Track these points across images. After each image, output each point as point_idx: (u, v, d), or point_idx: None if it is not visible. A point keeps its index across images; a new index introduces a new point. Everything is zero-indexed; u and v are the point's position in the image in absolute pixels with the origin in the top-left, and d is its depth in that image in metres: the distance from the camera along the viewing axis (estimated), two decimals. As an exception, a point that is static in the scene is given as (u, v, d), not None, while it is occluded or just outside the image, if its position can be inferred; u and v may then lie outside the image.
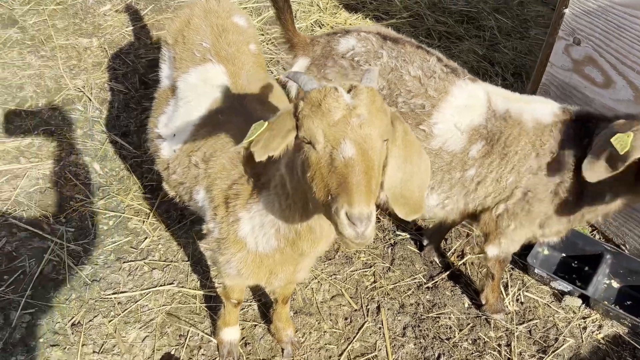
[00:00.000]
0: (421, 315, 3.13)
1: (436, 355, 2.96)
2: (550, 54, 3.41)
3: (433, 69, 2.66)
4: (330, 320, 3.08)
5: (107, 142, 3.85)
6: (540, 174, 2.62)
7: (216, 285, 3.16)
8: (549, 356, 3.02)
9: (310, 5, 5.18)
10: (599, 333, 3.15)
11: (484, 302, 3.14)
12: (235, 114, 2.30)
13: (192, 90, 2.43)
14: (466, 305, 3.23)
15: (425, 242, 3.41)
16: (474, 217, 2.90)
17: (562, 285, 3.22)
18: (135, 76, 4.31)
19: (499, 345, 3.05)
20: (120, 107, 4.08)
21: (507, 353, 3.02)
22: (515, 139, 2.59)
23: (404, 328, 3.07)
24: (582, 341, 3.11)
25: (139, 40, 4.62)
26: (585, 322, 3.19)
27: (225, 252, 2.31)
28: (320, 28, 4.92)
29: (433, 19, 5.11)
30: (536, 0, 5.52)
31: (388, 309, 3.14)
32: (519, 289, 3.30)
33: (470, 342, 3.05)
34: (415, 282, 3.29)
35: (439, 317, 3.14)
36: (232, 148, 2.13)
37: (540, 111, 2.63)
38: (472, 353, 3.00)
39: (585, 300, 3.22)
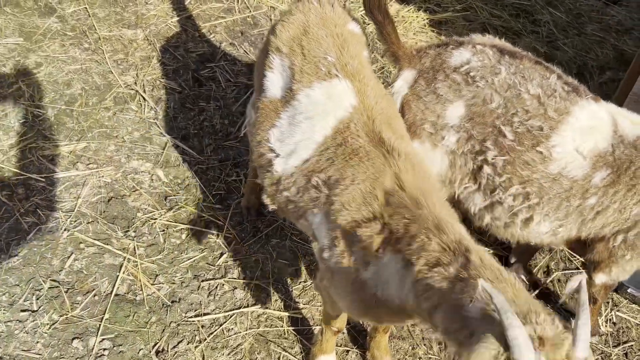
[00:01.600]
0: (515, 337, 3.00)
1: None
2: (645, 63, 3.26)
3: (554, 87, 2.47)
4: (424, 345, 2.95)
5: (167, 146, 3.63)
6: None
7: (320, 312, 2.99)
8: (648, 382, 2.93)
9: (358, -3, 4.94)
10: (697, 355, 3.07)
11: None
12: (368, 139, 2.13)
13: (315, 106, 2.25)
14: (559, 326, 3.10)
15: (512, 260, 3.27)
16: (578, 243, 2.77)
17: (659, 305, 3.11)
18: (188, 72, 4.07)
19: (597, 369, 2.95)
20: (177, 108, 3.85)
21: (606, 378, 2.92)
22: None
23: (500, 352, 2.94)
24: (681, 365, 3.03)
25: (186, 32, 4.37)
26: (681, 343, 3.10)
27: (340, 288, 2.16)
28: (368, 25, 4.70)
29: (487, 12, 4.91)
30: (587, -8, 5.35)
31: (481, 331, 3.01)
32: (610, 309, 3.19)
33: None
34: (504, 302, 3.16)
35: (534, 340, 3.01)
36: None
37: None
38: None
39: (679, 320, 3.13)
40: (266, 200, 2.44)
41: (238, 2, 4.64)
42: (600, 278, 2.76)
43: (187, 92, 3.95)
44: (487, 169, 2.49)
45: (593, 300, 2.91)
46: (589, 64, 4.58)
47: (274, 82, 2.40)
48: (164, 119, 3.78)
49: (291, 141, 2.26)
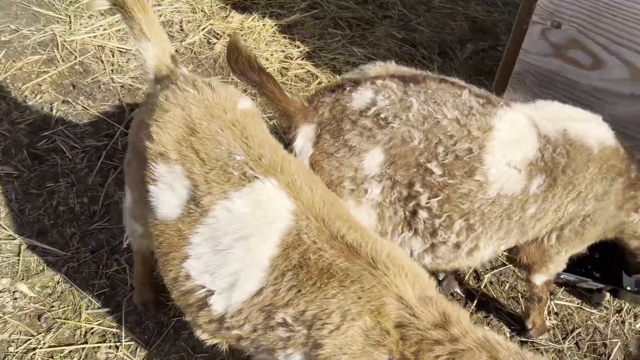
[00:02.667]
0: None
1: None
2: (521, 41, 3.12)
3: (469, 104, 2.22)
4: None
5: (22, 250, 2.97)
6: (605, 200, 2.38)
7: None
8: (606, 365, 2.86)
9: (193, 13, 4.43)
10: (637, 322, 3.04)
11: (530, 326, 2.88)
12: (335, 251, 1.72)
13: (243, 222, 1.78)
14: (508, 335, 2.94)
15: (441, 277, 3.05)
16: (511, 250, 2.63)
17: (592, 284, 3.04)
18: (21, 150, 3.38)
19: (557, 369, 2.82)
20: (20, 197, 3.18)
21: (568, 376, 2.80)
22: (582, 165, 2.30)
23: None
24: (627, 338, 2.99)
25: (6, 100, 3.64)
26: (621, 316, 3.06)
27: None
28: (218, 39, 4.23)
29: (334, 6, 4.62)
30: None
31: None
32: (550, 300, 3.08)
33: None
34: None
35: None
36: None
37: (601, 131, 2.39)
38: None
39: (611, 291, 3.09)
40: (202, 336, 1.96)
41: (58, 48, 3.96)
42: (539, 278, 2.66)
43: (26, 174, 3.28)
44: (422, 214, 2.22)
45: (538, 299, 2.78)
46: (447, 40, 4.45)
47: (163, 200, 1.88)
48: (8, 216, 3.09)
49: (226, 272, 1.79)
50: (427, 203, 2.20)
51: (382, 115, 2.15)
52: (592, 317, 3.05)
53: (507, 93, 3.32)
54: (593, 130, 2.40)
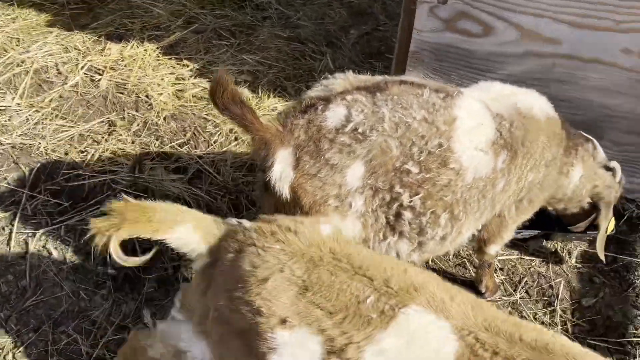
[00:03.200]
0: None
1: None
2: (412, 22, 3.22)
3: (432, 101, 2.32)
4: None
5: (-45, 351, 2.71)
6: (552, 166, 2.59)
7: None
8: (557, 306, 3.06)
9: (67, 52, 4.18)
10: (572, 258, 3.28)
11: (484, 290, 3.02)
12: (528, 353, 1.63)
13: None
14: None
15: None
16: None
17: (526, 234, 3.24)
18: None
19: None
20: None
21: (528, 324, 2.98)
22: (535, 135, 2.50)
23: None
24: (568, 275, 3.22)
25: None
26: (557, 256, 3.29)
27: None
28: (101, 74, 4.03)
29: (212, 17, 4.53)
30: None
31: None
32: (492, 258, 3.25)
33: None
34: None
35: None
36: None
37: (543, 103, 2.61)
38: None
39: (543, 236, 3.30)
40: None
41: None
42: (494, 249, 2.79)
43: None
44: (407, 215, 2.28)
45: (488, 265, 2.92)
46: (331, 30, 4.51)
47: None
48: None
49: None
50: (410, 202, 2.25)
51: (360, 130, 2.18)
52: (533, 264, 3.25)
53: (408, 72, 3.42)
54: (536, 102, 2.58)
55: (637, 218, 3.48)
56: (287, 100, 3.94)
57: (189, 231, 1.89)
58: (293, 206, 2.19)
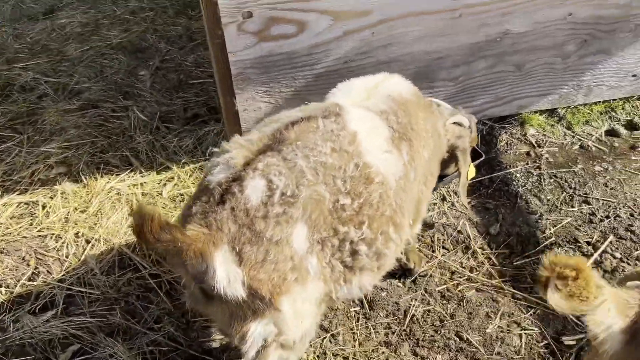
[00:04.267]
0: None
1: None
2: (224, 46, 3.02)
3: (329, 128, 2.23)
4: None
5: None
6: (434, 135, 2.66)
7: None
8: (475, 246, 3.19)
9: None
10: (458, 202, 3.43)
11: (413, 266, 3.05)
12: None
13: None
14: (408, 290, 3.08)
15: None
16: None
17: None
18: None
19: (462, 265, 3.07)
20: None
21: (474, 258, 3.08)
22: (415, 116, 2.52)
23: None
24: (465, 213, 3.36)
25: None
26: (448, 201, 3.41)
27: None
28: None
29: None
30: None
31: None
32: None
33: (453, 303, 2.99)
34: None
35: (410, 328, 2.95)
36: None
37: (403, 81, 2.62)
38: (471, 306, 2.97)
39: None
40: None
41: None
42: (418, 228, 2.80)
43: None
44: (363, 248, 2.19)
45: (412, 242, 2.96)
46: (119, 80, 4.10)
47: None
48: None
49: None
50: (361, 235, 2.17)
51: (288, 192, 2.02)
52: (432, 218, 3.34)
53: (238, 95, 3.23)
54: (399, 84, 2.58)
55: (488, 134, 3.72)
56: (118, 174, 3.54)
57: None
58: (252, 302, 1.97)
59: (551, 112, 3.80)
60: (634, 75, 3.68)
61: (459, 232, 3.28)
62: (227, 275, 1.91)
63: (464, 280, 3.08)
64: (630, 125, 3.79)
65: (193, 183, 3.50)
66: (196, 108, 3.91)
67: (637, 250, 3.16)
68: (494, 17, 3.17)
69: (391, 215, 2.27)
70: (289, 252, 2.01)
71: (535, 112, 3.78)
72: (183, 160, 3.61)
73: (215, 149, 2.17)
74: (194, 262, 1.86)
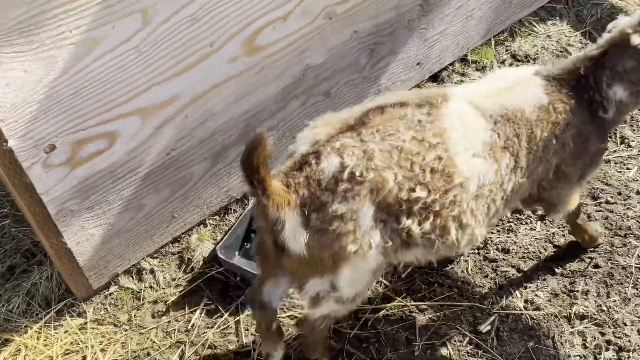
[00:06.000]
0: None
1: None
2: (33, 190, 2.60)
3: (417, 118, 2.31)
4: None
5: None
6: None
7: None
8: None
9: None
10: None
11: (589, 242, 3.22)
12: None
13: None
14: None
15: None
16: None
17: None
18: None
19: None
20: None
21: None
22: (532, 134, 2.49)
23: None
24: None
25: None
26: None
27: None
28: None
29: None
30: None
31: None
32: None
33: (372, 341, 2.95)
34: None
35: None
36: None
37: (531, 94, 2.53)
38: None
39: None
40: None
41: None
42: (574, 203, 2.92)
43: None
44: (417, 237, 2.32)
45: (575, 218, 3.11)
46: None
47: None
48: None
49: None
50: (420, 227, 2.29)
51: (357, 173, 2.16)
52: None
53: (66, 232, 2.83)
54: (528, 92, 2.53)
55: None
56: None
57: None
58: (311, 262, 2.24)
59: (364, 122, 3.93)
60: (418, 64, 3.95)
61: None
62: (294, 233, 2.16)
63: (369, 314, 3.07)
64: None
65: (48, 347, 3.00)
66: (8, 259, 3.34)
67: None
68: (294, 58, 3.15)
69: (458, 215, 2.35)
70: (351, 226, 2.18)
71: (351, 126, 3.87)
72: (24, 325, 3.08)
73: (309, 122, 2.38)
74: (272, 211, 2.11)
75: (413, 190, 2.21)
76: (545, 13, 4.55)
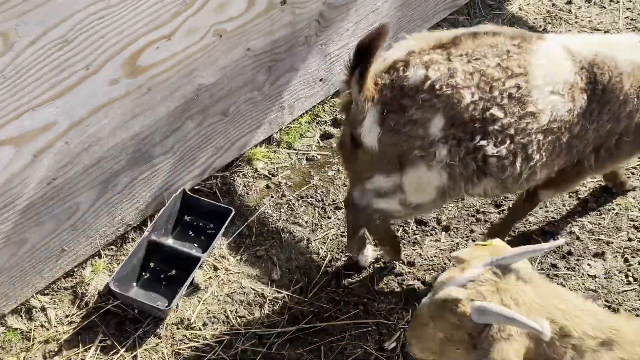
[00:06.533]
0: None
1: None
2: None
3: (506, 48, 2.47)
4: None
5: None
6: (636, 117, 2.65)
7: None
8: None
9: None
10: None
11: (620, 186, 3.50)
12: None
13: None
14: None
15: None
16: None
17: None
18: None
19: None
20: None
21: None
22: (617, 84, 2.55)
23: None
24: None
25: None
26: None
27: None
28: None
29: None
30: None
31: None
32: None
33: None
34: None
35: None
36: None
37: (630, 52, 2.60)
38: None
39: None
40: None
41: None
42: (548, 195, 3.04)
43: None
44: (492, 160, 2.46)
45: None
46: None
47: None
48: None
49: None
50: (495, 150, 2.43)
51: (437, 86, 2.36)
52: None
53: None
54: (629, 50, 2.60)
55: (224, 185, 3.62)
56: None
57: None
58: (381, 157, 2.50)
59: (269, 140, 3.85)
60: (321, 80, 3.90)
61: (250, 293, 3.14)
62: (370, 128, 2.43)
63: (274, 339, 2.96)
64: (337, 122, 4.02)
65: None
66: None
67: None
68: (182, 78, 3.04)
69: (526, 145, 2.46)
70: (422, 132, 2.41)
71: (255, 146, 3.78)
72: None
73: (406, 35, 2.60)
74: (359, 103, 2.37)
75: (489, 110, 2.38)
76: (449, 25, 4.60)
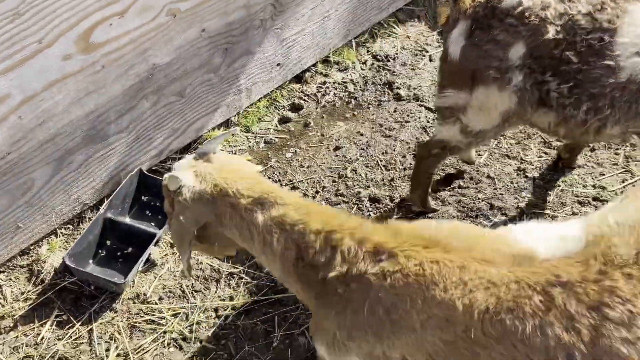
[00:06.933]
0: None
1: None
2: None
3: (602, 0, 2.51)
4: None
5: None
6: None
7: None
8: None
9: None
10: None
11: None
12: None
13: None
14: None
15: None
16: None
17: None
18: None
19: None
20: None
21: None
22: None
23: None
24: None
25: None
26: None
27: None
28: None
29: None
30: None
31: None
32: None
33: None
34: None
35: None
36: None
37: None
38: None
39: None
40: None
41: None
42: None
43: None
44: (554, 94, 2.59)
45: None
46: None
47: None
48: None
49: None
50: (558, 88, 2.56)
51: (526, 14, 2.51)
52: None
53: None
54: None
55: (182, 167, 3.66)
56: None
57: None
58: (459, 69, 2.68)
59: (227, 123, 3.91)
60: (278, 64, 3.98)
61: (207, 269, 3.19)
62: (457, 39, 2.65)
63: (229, 310, 3.02)
64: (295, 107, 4.10)
65: None
66: None
67: (352, 208, 3.46)
68: (136, 57, 3.09)
69: (596, 95, 2.51)
70: (501, 54, 2.57)
71: (213, 128, 3.84)
72: None
73: None
74: (454, 13, 2.66)
75: (566, 50, 2.48)
76: (404, 15, 4.73)
